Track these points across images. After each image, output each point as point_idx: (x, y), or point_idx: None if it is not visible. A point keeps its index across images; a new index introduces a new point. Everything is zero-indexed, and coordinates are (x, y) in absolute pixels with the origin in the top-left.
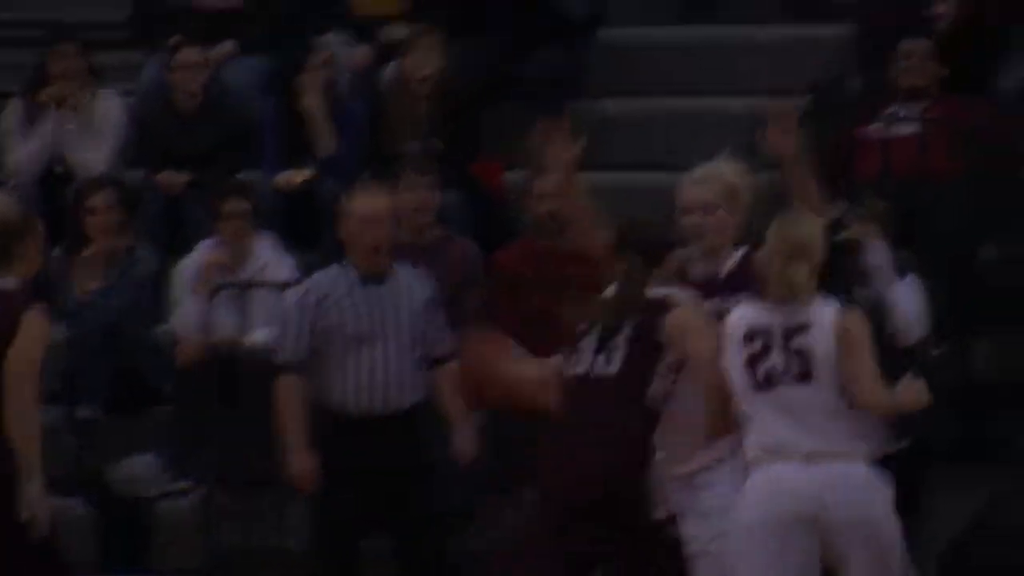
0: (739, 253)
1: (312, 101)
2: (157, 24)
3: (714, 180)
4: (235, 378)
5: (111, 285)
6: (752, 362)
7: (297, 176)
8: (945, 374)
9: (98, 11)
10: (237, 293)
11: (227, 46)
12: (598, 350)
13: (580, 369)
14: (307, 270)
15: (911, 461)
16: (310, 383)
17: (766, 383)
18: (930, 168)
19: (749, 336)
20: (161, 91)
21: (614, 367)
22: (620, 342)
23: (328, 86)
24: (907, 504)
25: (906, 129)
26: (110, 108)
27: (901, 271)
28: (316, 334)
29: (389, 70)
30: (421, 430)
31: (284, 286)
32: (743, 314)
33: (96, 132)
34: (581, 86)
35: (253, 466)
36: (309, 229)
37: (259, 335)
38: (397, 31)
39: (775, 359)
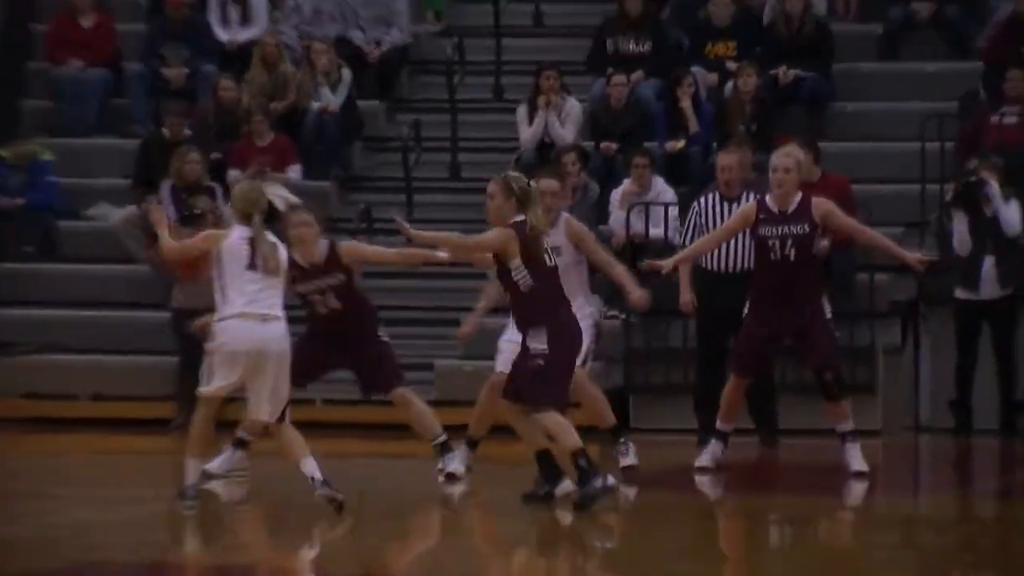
0: (798, 198)
1: (685, 103)
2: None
3: (791, 154)
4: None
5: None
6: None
7: (676, 145)
8: None
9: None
10: (643, 208)
11: (639, 73)
12: None
13: None
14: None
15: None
16: None
17: None
18: (1023, 144)
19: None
20: (604, 100)
21: None
22: None
23: (693, 95)
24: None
25: (1010, 120)
26: (573, 107)
27: (1007, 198)
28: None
29: (728, 87)
30: None
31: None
32: None
33: (564, 121)
34: None
35: None
36: (680, 174)
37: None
38: (732, 64)
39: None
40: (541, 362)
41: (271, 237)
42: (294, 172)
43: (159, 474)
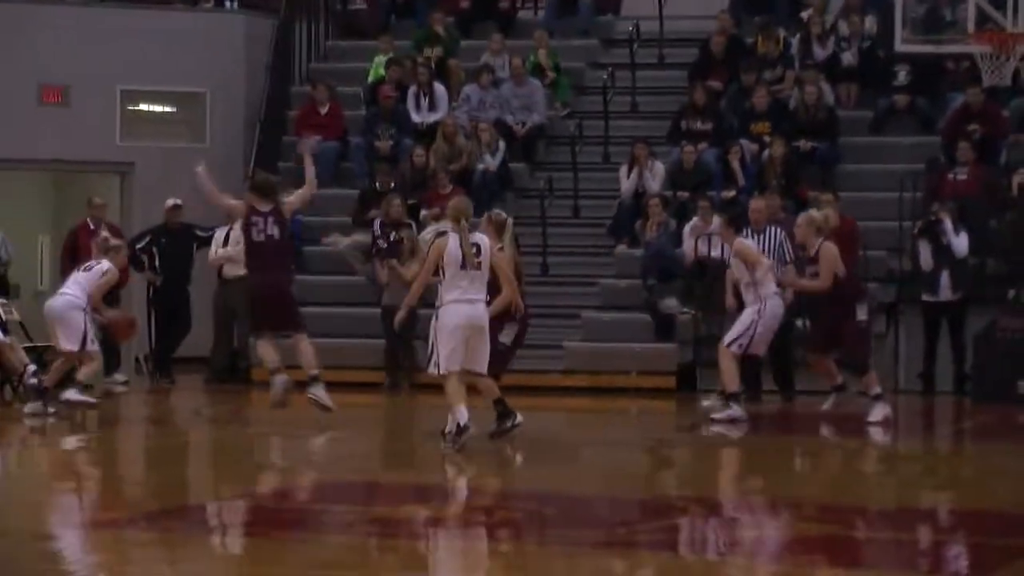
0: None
1: (735, 165)
2: None
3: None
4: None
5: None
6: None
7: (729, 194)
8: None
9: None
10: (707, 238)
11: (704, 144)
12: None
13: None
14: None
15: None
16: None
17: None
18: (970, 193)
19: None
20: (679, 162)
21: None
22: None
23: (741, 159)
24: None
25: (961, 177)
26: (659, 167)
27: (957, 231)
28: None
29: (765, 154)
30: None
31: None
32: None
33: (653, 177)
34: None
35: None
36: None
37: None
38: (767, 138)
39: None
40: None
41: (475, 237)
42: None
43: (374, 420)
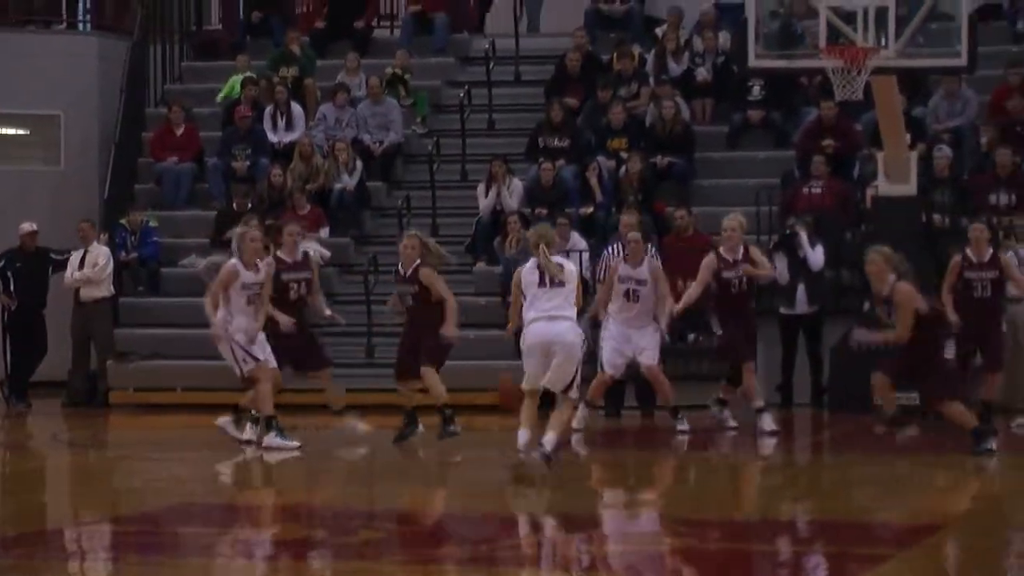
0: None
1: (593, 181)
2: None
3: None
4: None
5: None
6: None
7: (587, 210)
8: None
9: None
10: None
11: (561, 161)
12: None
13: None
14: None
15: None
16: None
17: None
18: (825, 207)
19: None
20: (537, 179)
21: None
22: None
23: (598, 176)
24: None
25: (816, 191)
26: (517, 185)
27: (813, 244)
28: None
29: (622, 170)
30: None
31: None
32: None
33: (510, 194)
34: None
35: None
36: (589, 230)
37: None
38: (624, 154)
39: None
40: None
41: (557, 259)
42: (324, 232)
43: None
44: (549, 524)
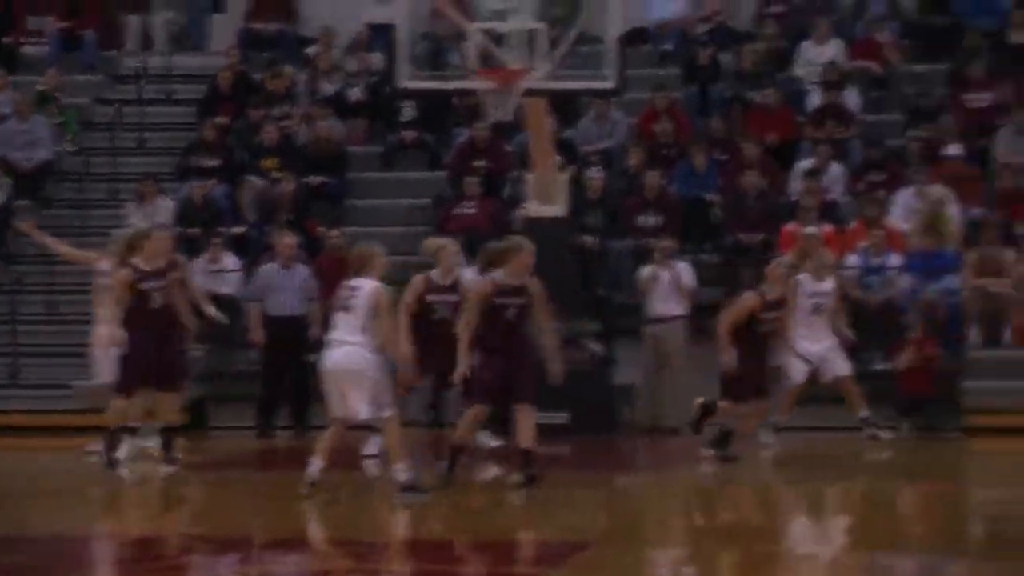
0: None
1: (245, 201)
2: None
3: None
4: None
5: None
6: None
7: (240, 229)
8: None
9: None
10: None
11: (214, 180)
12: None
13: None
14: None
15: None
16: None
17: None
18: (477, 227)
19: None
20: (190, 199)
21: None
22: None
23: (253, 195)
24: None
25: (469, 211)
26: (168, 203)
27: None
28: None
29: (275, 188)
30: None
31: None
32: None
33: (161, 213)
34: None
35: None
36: (243, 249)
37: None
38: (278, 174)
39: None
40: None
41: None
42: None
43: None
44: None
